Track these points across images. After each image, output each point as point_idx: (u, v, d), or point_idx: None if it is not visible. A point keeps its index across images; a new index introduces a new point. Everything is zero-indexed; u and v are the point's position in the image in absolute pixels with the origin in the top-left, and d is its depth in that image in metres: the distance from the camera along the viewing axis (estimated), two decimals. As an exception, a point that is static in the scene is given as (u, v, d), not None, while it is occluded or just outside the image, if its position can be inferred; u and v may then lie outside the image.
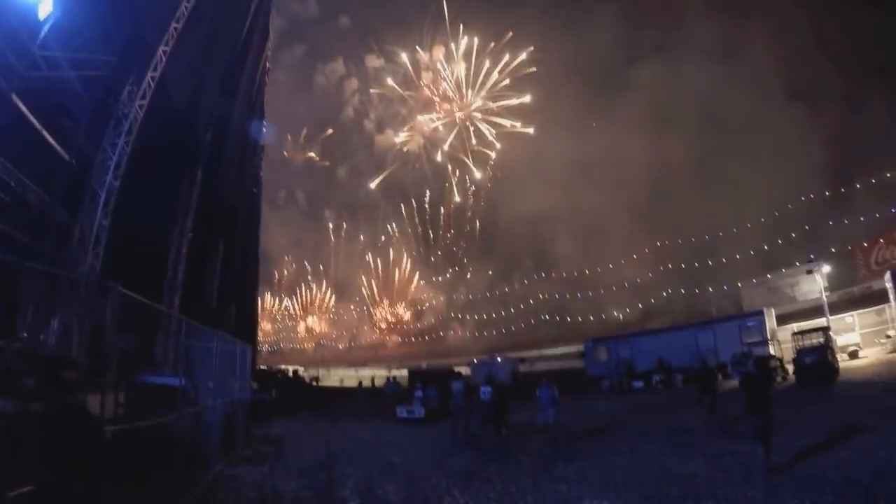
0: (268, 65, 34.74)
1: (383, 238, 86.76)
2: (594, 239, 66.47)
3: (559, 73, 69.93)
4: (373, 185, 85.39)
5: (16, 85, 12.44)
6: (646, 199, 62.42)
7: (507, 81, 78.51)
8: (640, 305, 62.54)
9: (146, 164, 28.29)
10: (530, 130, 76.63)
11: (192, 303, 26.80)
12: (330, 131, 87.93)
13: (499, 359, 43.40)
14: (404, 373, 48.17)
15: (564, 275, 70.06)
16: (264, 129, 40.35)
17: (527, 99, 76.77)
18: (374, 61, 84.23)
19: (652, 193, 61.62)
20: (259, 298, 49.55)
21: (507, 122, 78.42)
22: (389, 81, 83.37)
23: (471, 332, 77.59)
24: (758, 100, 53.13)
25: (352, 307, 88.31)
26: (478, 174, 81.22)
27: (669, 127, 60.09)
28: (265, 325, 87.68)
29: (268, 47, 32.67)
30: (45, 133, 14.15)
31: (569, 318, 68.40)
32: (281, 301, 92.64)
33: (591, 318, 65.60)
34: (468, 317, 79.57)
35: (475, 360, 45.46)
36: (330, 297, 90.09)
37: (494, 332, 74.23)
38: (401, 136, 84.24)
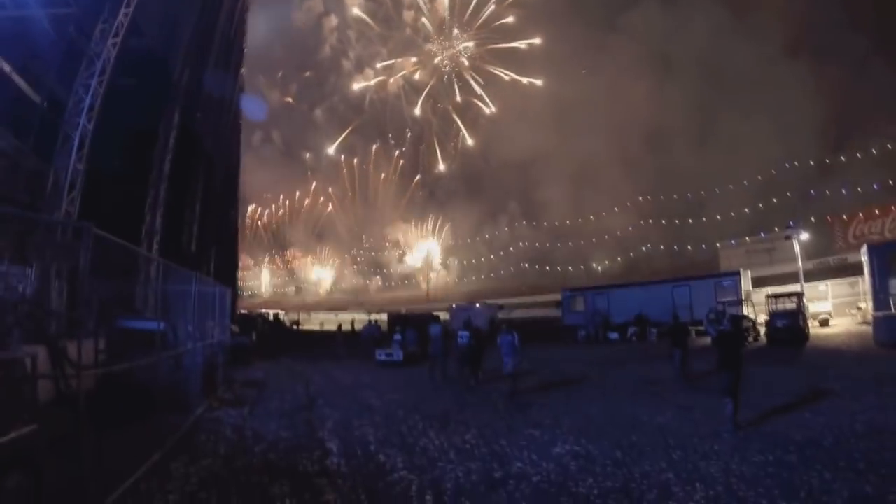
0: (246, 1, 33.48)
1: (365, 170, 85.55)
2: (582, 187, 66.65)
3: (555, 13, 67.79)
4: (331, 148, 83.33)
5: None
6: (636, 149, 62.61)
7: (492, 7, 75.32)
8: (619, 259, 63.48)
9: (121, 106, 27.82)
10: (538, 81, 73.99)
11: (171, 247, 26.77)
12: (308, 74, 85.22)
13: (477, 305, 44.14)
14: (384, 317, 48.78)
15: (546, 224, 70.45)
16: (243, 70, 39.23)
17: (537, 41, 73.44)
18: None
19: (643, 144, 61.81)
20: (238, 241, 49.29)
21: (502, 73, 75.98)
22: (366, 18, 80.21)
23: (453, 279, 78.31)
24: (759, 55, 52.47)
25: (328, 252, 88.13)
26: (466, 137, 79.50)
27: (667, 75, 59.50)
28: (246, 261, 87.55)
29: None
30: (13, 75, 13.78)
31: (549, 268, 69.28)
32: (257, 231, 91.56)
33: (572, 268, 66.48)
34: (450, 262, 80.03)
35: (454, 306, 46.17)
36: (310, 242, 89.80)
37: (474, 279, 75.06)
38: (373, 80, 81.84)
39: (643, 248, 61.96)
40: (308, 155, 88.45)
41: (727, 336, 9.93)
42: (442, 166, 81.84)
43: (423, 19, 78.48)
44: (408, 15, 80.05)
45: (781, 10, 51.90)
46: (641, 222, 62.70)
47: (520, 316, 45.73)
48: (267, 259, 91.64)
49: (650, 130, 60.91)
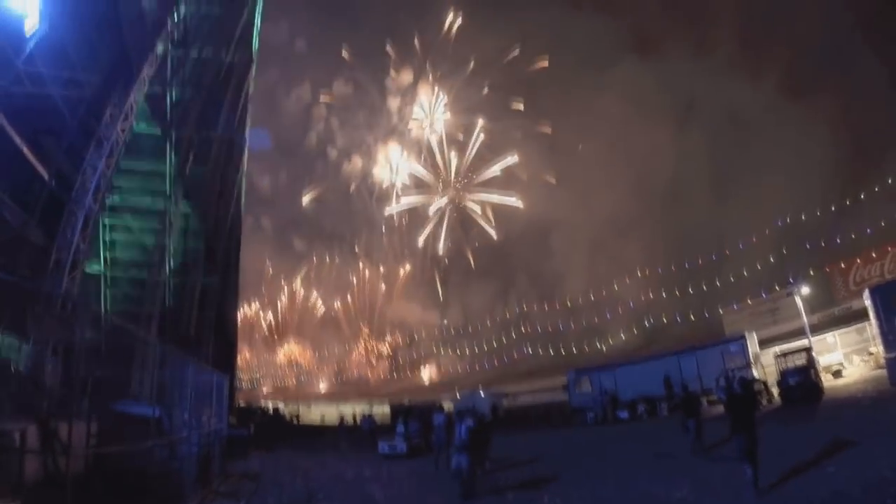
0: (250, 90, 34.73)
1: (361, 265, 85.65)
2: (588, 257, 66.58)
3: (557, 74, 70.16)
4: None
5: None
6: (640, 213, 62.84)
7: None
8: (634, 331, 62.24)
9: (127, 189, 28.10)
10: (519, 204, 75.64)
11: (169, 332, 26.09)
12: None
13: (482, 392, 42.87)
14: (387, 408, 47.24)
15: (556, 300, 69.71)
16: (245, 157, 40.06)
17: (514, 159, 75.59)
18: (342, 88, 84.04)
19: (645, 207, 62.18)
20: (237, 331, 48.41)
21: (496, 197, 77.56)
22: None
23: (462, 364, 76.41)
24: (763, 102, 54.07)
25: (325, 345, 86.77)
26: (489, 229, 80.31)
27: (662, 126, 61.00)
28: (245, 355, 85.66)
29: (250, 74, 32.64)
30: (25, 150, 13.76)
31: (562, 347, 67.73)
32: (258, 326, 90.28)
33: (587, 347, 64.70)
34: (453, 350, 78.32)
35: (458, 395, 44.88)
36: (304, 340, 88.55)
37: (485, 364, 73.29)
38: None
39: (650, 320, 60.96)
40: (301, 243, 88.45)
41: (738, 398, 9.78)
42: (443, 248, 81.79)
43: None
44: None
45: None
46: (651, 293, 62.08)
47: (527, 401, 44.23)
48: (266, 350, 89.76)
49: (649, 193, 61.81)
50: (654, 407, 28.08)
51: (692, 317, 56.20)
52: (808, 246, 49.61)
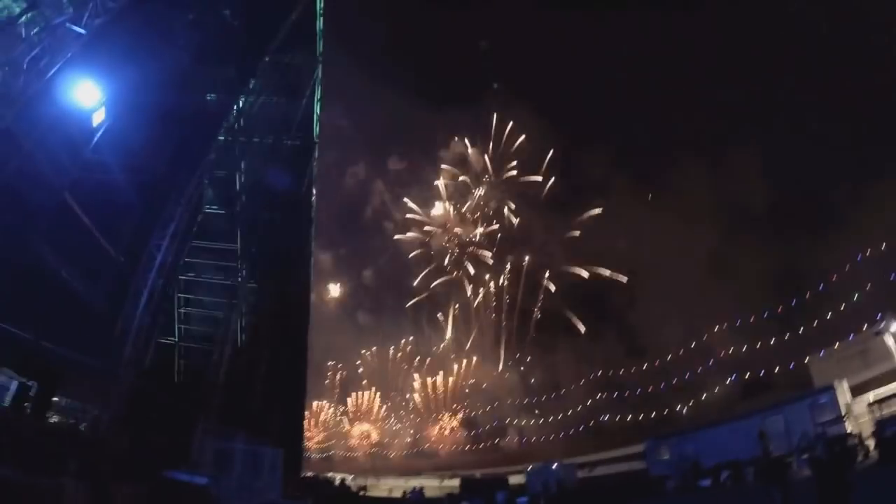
0: (314, 171, 36.85)
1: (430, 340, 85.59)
2: (667, 311, 63.58)
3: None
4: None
5: (69, 184, 13.60)
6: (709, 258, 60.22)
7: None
8: (728, 382, 57.92)
9: (201, 266, 30.07)
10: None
11: (234, 405, 26.92)
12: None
13: (554, 466, 40.92)
14: (456, 482, 45.87)
15: (641, 360, 66.39)
16: (313, 237, 42.02)
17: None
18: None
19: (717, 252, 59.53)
20: (306, 402, 49.12)
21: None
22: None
23: (542, 432, 73.30)
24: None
25: (401, 414, 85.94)
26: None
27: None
28: (314, 431, 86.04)
29: (314, 157, 34.77)
30: (94, 230, 15.18)
31: (649, 410, 63.80)
32: (333, 407, 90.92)
33: (674, 408, 60.82)
34: (535, 416, 75.24)
35: (530, 468, 43.01)
36: (378, 405, 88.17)
37: (568, 432, 69.97)
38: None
39: (732, 376, 56.53)
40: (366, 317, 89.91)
41: (823, 464, 8.77)
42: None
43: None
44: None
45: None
46: (733, 345, 58.05)
47: (602, 472, 41.80)
48: (339, 415, 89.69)
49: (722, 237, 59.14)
50: (740, 472, 25.84)
51: (777, 368, 52.04)
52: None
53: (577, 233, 75.80)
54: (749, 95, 57.16)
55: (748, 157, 57.55)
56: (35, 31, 11.76)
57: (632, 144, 67.60)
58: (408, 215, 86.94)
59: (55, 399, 14.60)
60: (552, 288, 77.01)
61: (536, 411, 74.31)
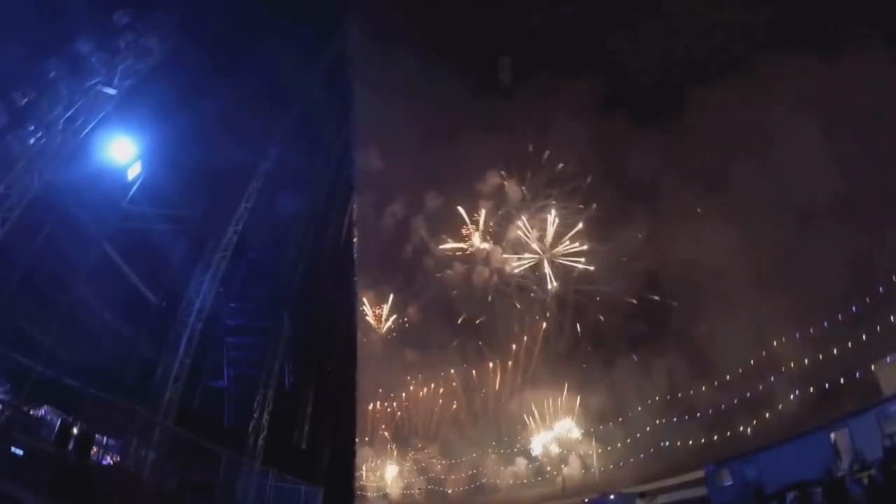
0: (354, 213, 37.86)
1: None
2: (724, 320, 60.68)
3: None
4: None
5: (108, 234, 14.61)
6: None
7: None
8: (793, 396, 54.33)
9: (247, 311, 31.09)
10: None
11: (279, 444, 27.39)
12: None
13: (612, 496, 39.29)
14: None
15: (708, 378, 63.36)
16: (356, 278, 42.87)
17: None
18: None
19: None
20: (355, 441, 49.04)
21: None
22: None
23: (605, 459, 70.67)
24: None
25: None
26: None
27: None
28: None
29: (354, 196, 35.82)
30: (133, 277, 16.14)
31: (718, 431, 60.63)
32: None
33: (745, 427, 57.37)
34: (592, 444, 72.69)
35: (585, 501, 41.62)
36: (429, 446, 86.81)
37: (621, 464, 67.18)
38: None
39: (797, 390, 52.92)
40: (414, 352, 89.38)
41: (880, 489, 8.01)
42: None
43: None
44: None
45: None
46: (797, 358, 54.56)
47: (665, 500, 39.83)
48: (394, 453, 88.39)
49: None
50: (806, 494, 24.01)
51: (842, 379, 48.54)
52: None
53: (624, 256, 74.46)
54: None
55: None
56: (69, 91, 12.87)
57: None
58: (443, 246, 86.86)
59: (99, 437, 15.25)
60: (601, 318, 75.62)
61: (598, 436, 71.89)
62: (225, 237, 20.67)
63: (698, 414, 61.70)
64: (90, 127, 13.28)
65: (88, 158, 13.52)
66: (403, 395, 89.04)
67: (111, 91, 13.78)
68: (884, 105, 47.46)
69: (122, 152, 14.30)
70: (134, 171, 14.98)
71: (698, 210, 65.54)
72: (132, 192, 15.16)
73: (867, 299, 48.94)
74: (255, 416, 25.72)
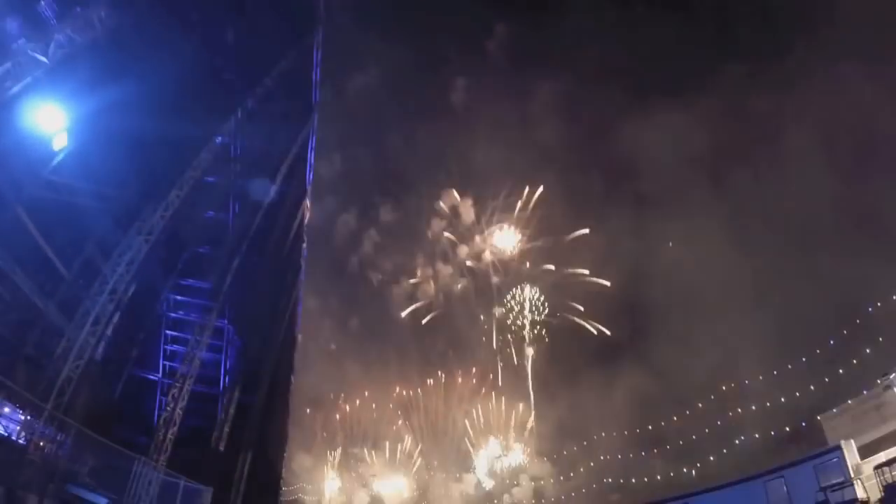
0: (306, 217, 37.68)
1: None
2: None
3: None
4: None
5: (24, 201, 14.39)
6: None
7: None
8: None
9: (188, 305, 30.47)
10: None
11: (194, 441, 26.81)
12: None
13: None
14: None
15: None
16: (301, 281, 42.50)
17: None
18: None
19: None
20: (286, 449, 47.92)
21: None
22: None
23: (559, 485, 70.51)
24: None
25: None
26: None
27: None
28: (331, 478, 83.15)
29: (304, 204, 35.65)
30: (45, 247, 15.86)
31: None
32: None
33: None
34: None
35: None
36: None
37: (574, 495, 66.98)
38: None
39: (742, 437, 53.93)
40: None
41: None
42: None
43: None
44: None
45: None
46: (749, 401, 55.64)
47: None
48: (333, 460, 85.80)
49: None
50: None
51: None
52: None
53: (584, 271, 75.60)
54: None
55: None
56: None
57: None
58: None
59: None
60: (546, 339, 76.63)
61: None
62: (151, 221, 20.29)
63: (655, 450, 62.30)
64: (16, 89, 13.16)
65: (12, 122, 13.40)
66: (347, 407, 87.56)
67: (42, 59, 13.70)
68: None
69: (49, 120, 14.20)
70: (60, 142, 14.85)
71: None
72: (55, 161, 15.01)
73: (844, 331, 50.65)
74: (168, 409, 25.06)
